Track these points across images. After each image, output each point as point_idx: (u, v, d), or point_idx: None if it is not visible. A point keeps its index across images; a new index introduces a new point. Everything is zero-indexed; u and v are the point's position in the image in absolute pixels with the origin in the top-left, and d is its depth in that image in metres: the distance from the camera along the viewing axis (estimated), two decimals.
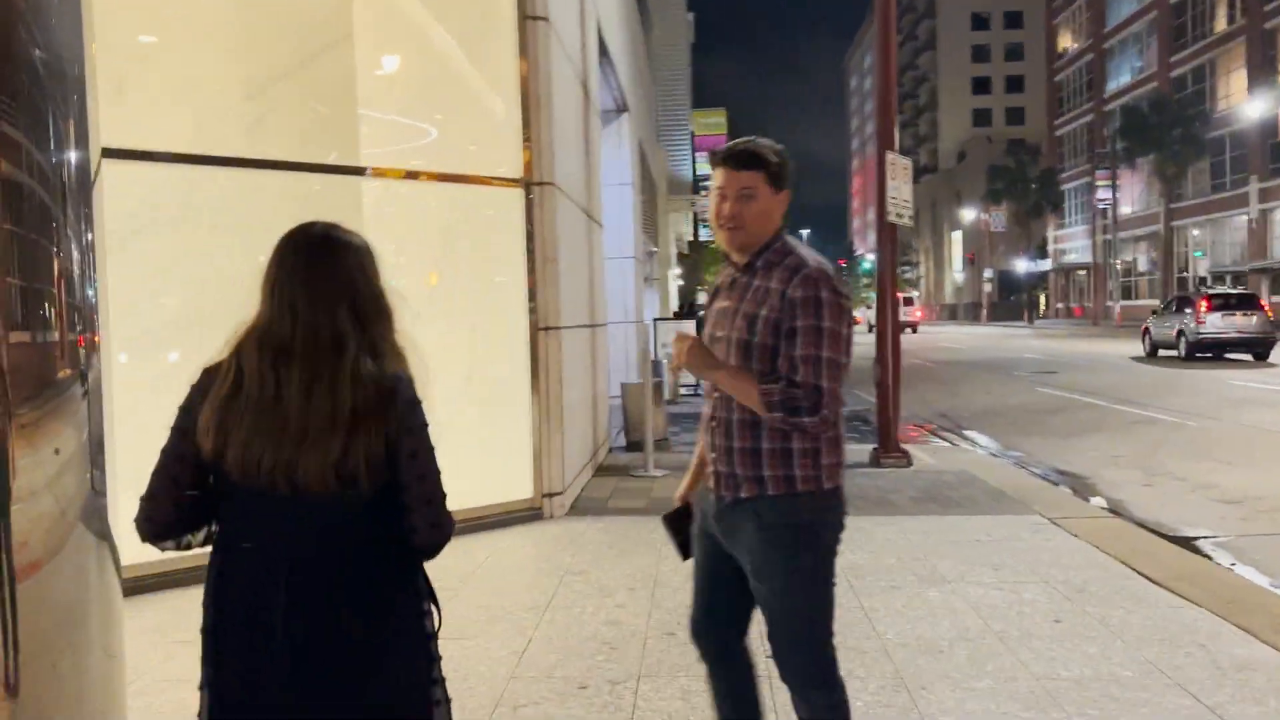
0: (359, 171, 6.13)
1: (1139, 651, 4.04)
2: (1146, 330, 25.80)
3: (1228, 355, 22.83)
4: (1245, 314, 22.14)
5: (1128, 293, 52.87)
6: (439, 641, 1.92)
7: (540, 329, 6.76)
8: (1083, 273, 60.71)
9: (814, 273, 2.32)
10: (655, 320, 16.88)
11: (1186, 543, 6.21)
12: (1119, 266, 51.28)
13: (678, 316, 25.52)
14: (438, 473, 1.83)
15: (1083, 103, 60.13)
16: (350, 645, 1.75)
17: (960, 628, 4.39)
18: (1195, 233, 46.00)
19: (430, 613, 1.90)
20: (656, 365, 15.50)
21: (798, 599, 2.41)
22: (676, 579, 5.21)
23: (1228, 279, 42.62)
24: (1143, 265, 53.21)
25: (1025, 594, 4.86)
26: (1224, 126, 42.26)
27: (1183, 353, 22.99)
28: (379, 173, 6.23)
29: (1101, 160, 49.40)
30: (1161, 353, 24.50)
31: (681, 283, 51.20)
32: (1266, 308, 22.92)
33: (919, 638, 4.24)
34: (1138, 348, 26.74)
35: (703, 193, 42.69)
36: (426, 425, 1.83)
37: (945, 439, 11.01)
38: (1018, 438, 11.22)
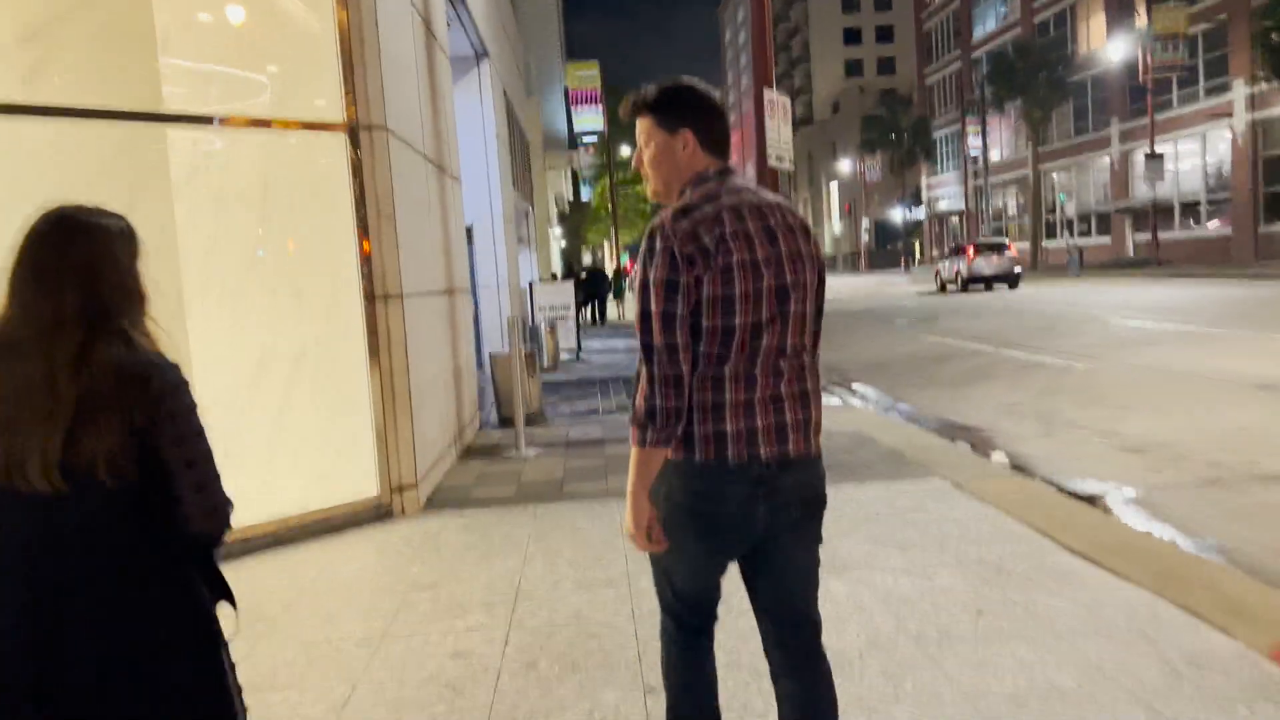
0: (159, 118, 5.12)
1: (1077, 648, 3.46)
2: (938, 271, 34.26)
3: (992, 286, 31.27)
4: (999, 256, 30.77)
5: (999, 236, 54.15)
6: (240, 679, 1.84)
7: (377, 297, 5.84)
8: (956, 219, 61.97)
9: (653, 223, 2.13)
10: (531, 284, 15.96)
11: (1098, 501, 5.75)
12: (990, 212, 52.36)
13: (565, 278, 24.65)
14: (208, 456, 1.76)
15: (951, 51, 60.99)
16: (109, 660, 1.66)
17: (871, 631, 3.74)
18: (1057, 176, 47.19)
19: (212, 617, 1.81)
20: (533, 332, 14.67)
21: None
22: (543, 587, 4.44)
23: (1092, 219, 43.88)
24: (1012, 210, 54.52)
25: (939, 580, 4.25)
26: (1086, 70, 43.22)
27: (960, 286, 31.51)
28: (181, 117, 5.22)
29: (971, 107, 50.15)
30: (949, 287, 32.66)
31: (564, 244, 50.20)
32: (1013, 250, 31.50)
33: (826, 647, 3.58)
34: (1011, 291, 26.98)
35: (581, 148, 41.77)
36: (193, 410, 1.75)
37: (834, 394, 10.52)
38: (909, 390, 10.79)
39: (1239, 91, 33.57)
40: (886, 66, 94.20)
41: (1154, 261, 33.84)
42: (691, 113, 2.23)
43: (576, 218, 49.91)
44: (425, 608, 4.29)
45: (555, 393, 11.83)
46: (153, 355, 1.75)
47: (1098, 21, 43.15)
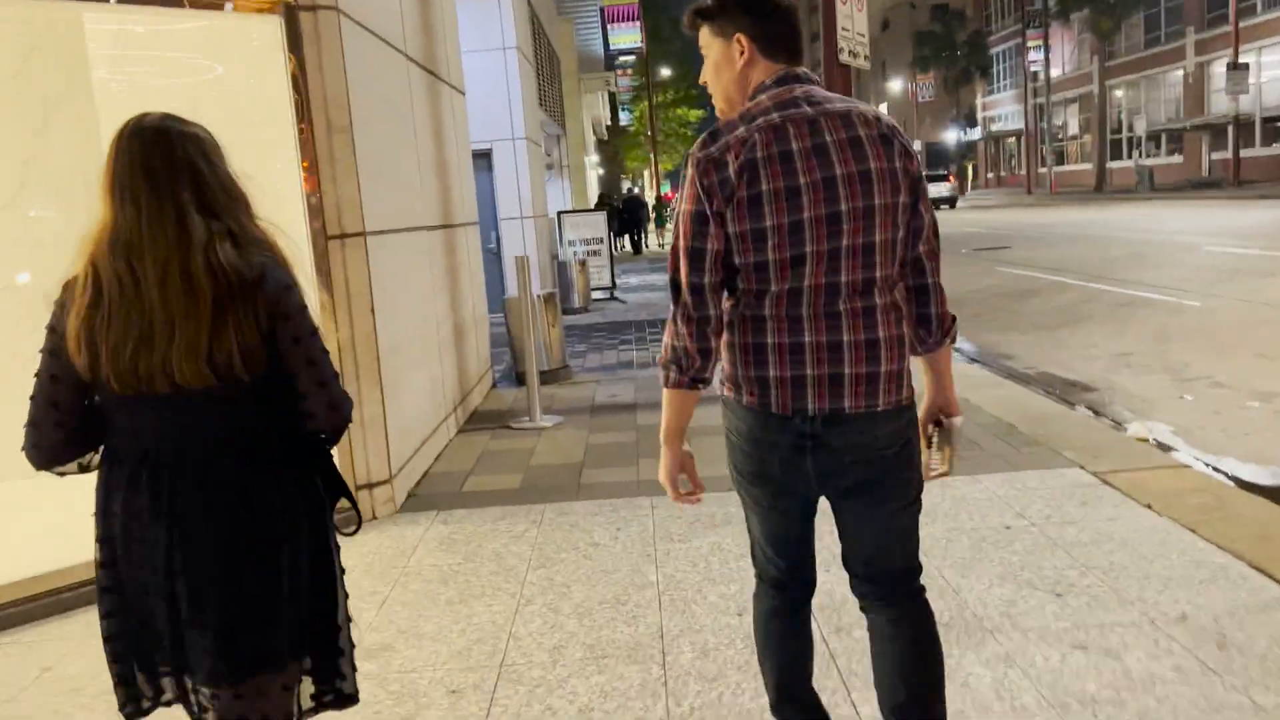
0: None
1: None
2: None
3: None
4: (937, 183, 38.44)
5: (1060, 158, 51.36)
6: None
7: (331, 237, 4.42)
8: (1013, 139, 58.98)
9: (692, 149, 1.93)
10: (560, 214, 14.48)
11: None
12: (1051, 131, 49.54)
13: (599, 208, 23.13)
14: (325, 354, 1.80)
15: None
16: (240, 544, 1.73)
17: None
18: (1124, 92, 44.30)
19: (328, 513, 1.87)
20: (562, 268, 13.23)
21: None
22: (539, 658, 3.07)
23: (1163, 137, 41.16)
24: (1074, 129, 51.60)
25: (1132, 660, 2.82)
26: None
27: None
28: None
29: (1032, 19, 47.08)
30: None
31: (602, 171, 48.33)
32: (952, 178, 39.36)
33: None
34: (1079, 214, 25.01)
35: (618, 70, 39.67)
36: (305, 309, 1.79)
37: None
38: (996, 334, 9.23)
39: None
40: None
41: (1232, 181, 31.39)
42: (745, 13, 1.96)
43: (615, 144, 47.96)
44: (365, 695, 2.95)
45: (585, 339, 10.42)
46: (264, 256, 1.77)
47: None
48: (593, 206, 27.93)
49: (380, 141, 4.93)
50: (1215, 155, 36.30)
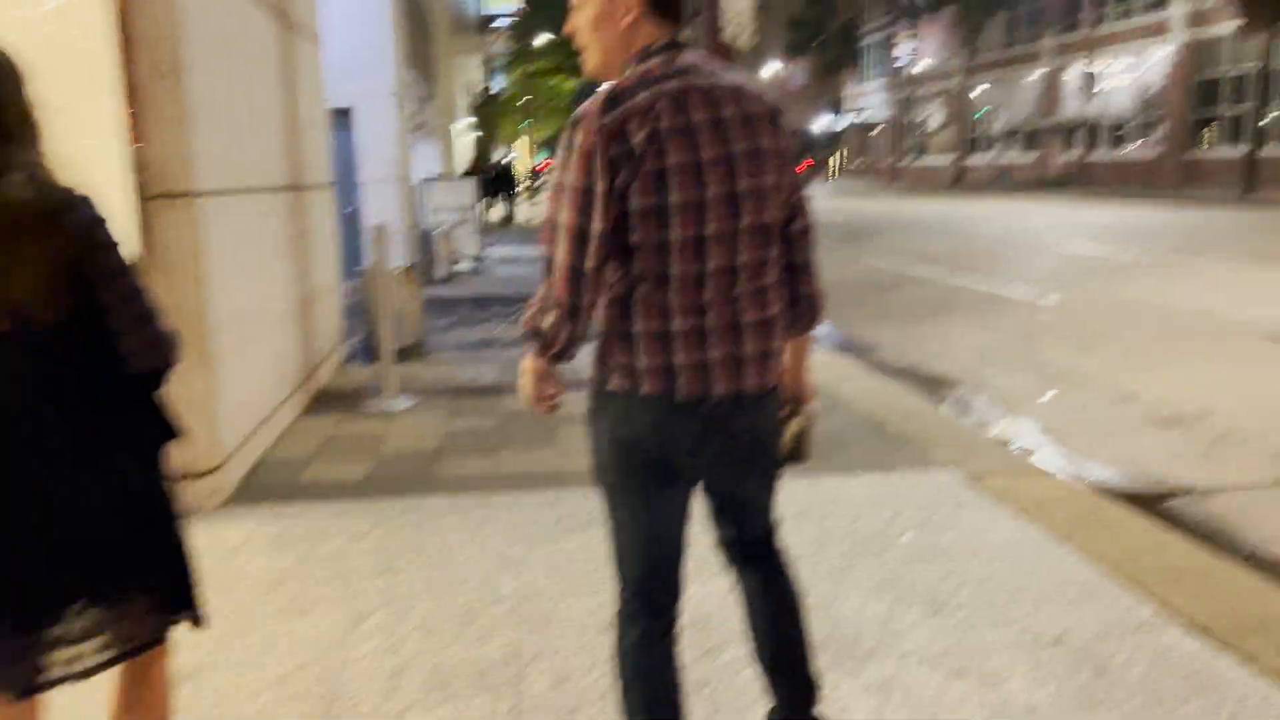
0: None
1: None
2: None
3: None
4: None
5: (924, 150, 52.96)
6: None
7: (151, 197, 3.91)
8: (879, 130, 60.57)
9: (576, 113, 1.76)
10: (425, 180, 13.87)
11: (1176, 516, 4.26)
12: (915, 124, 51.00)
13: (469, 175, 22.40)
14: (142, 291, 1.72)
15: None
16: (61, 498, 1.66)
17: None
18: (985, 89, 45.91)
19: (160, 453, 1.83)
20: (426, 236, 12.66)
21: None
22: (375, 684, 2.72)
23: (1020, 135, 42.83)
24: (936, 122, 53.29)
25: (1013, 689, 2.67)
26: None
27: None
28: None
29: (903, 13, 48.23)
30: None
31: (474, 136, 47.18)
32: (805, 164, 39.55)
33: None
34: (941, 206, 25.76)
35: (494, 34, 38.70)
36: (117, 244, 1.69)
37: None
38: (862, 325, 9.24)
39: (1177, 9, 32.41)
40: None
41: (1081, 181, 32.95)
42: None
43: (488, 110, 46.91)
44: None
45: (448, 313, 9.95)
46: (67, 188, 1.66)
47: None
48: (462, 173, 27.17)
49: (217, 90, 4.40)
50: (1066, 155, 38.01)
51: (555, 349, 1.85)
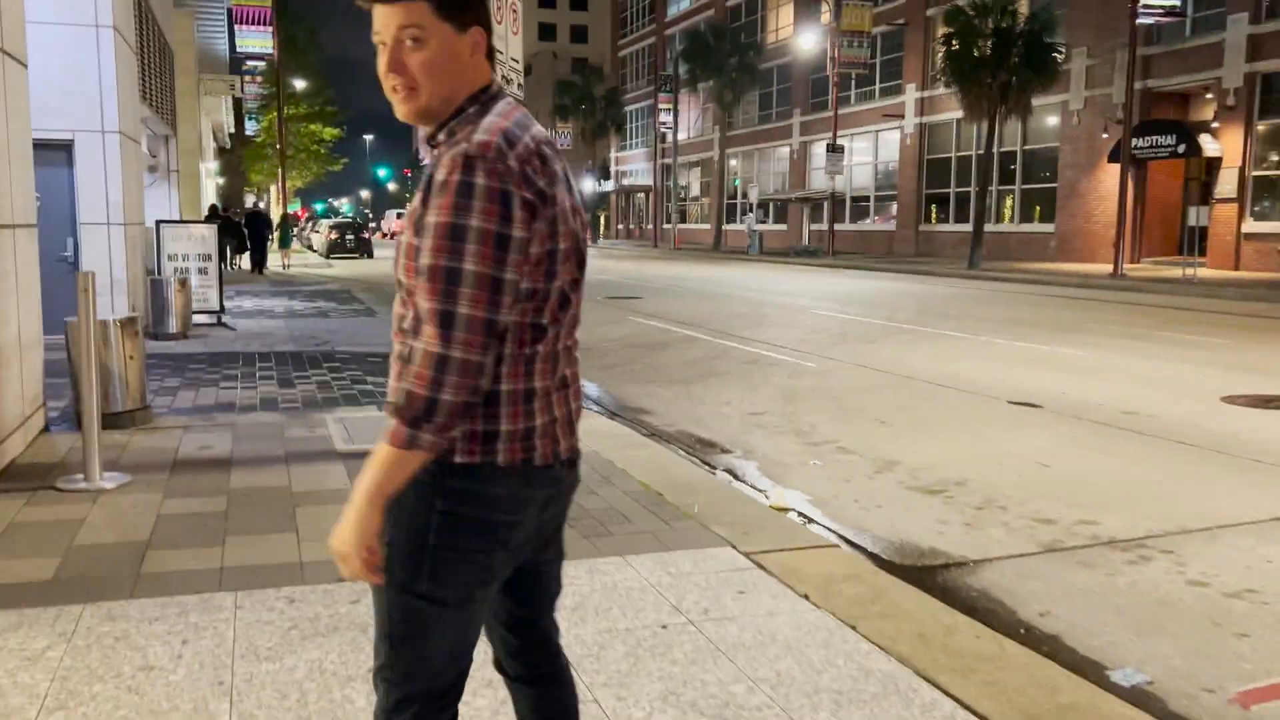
0: None
1: None
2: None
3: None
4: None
5: (684, 216, 54.87)
6: None
7: None
8: (642, 195, 62.29)
9: (469, 148, 1.54)
10: (160, 223, 12.62)
11: (953, 592, 4.17)
12: (676, 190, 52.86)
13: (213, 220, 20.86)
14: None
15: (645, 25, 60.91)
16: None
17: None
18: (740, 160, 48.26)
19: None
20: (158, 286, 11.45)
21: None
22: None
23: (771, 206, 45.18)
24: (696, 190, 55.43)
25: None
26: (773, 59, 44.26)
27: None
28: None
29: (663, 84, 50.11)
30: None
31: (220, 181, 44.46)
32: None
33: None
34: (701, 270, 26.49)
35: (246, 76, 36.64)
36: None
37: None
38: (631, 386, 9.04)
39: (910, 95, 35.41)
40: (580, 34, 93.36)
41: (827, 250, 35.04)
42: (483, 4, 1.71)
43: (239, 154, 44.42)
44: None
45: (178, 373, 8.92)
46: None
47: (786, 12, 44.31)
48: (205, 217, 25.32)
49: None
50: (814, 226, 40.38)
51: (450, 424, 1.53)
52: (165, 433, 6.41)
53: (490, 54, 1.75)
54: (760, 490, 5.67)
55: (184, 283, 11.45)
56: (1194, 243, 21.60)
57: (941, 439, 6.91)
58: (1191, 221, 20.82)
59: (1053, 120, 29.21)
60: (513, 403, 1.63)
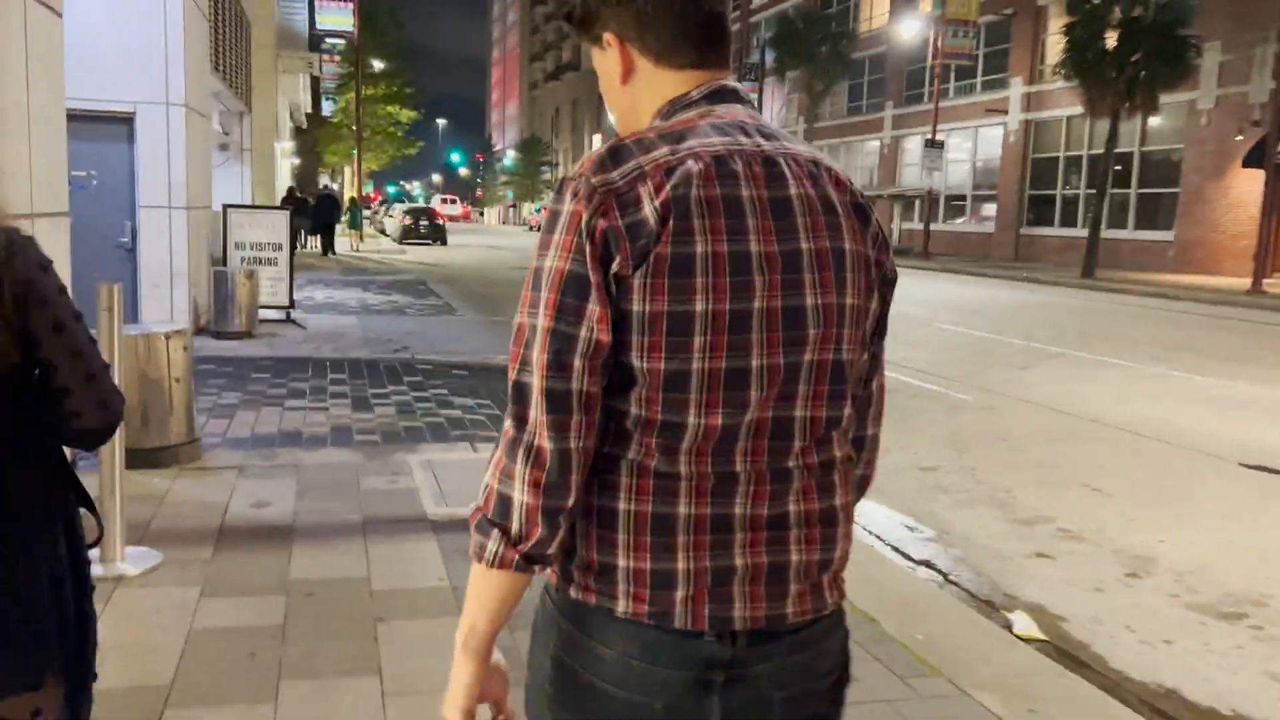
0: None
1: None
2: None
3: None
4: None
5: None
6: None
7: None
8: None
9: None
10: (228, 208, 11.51)
11: None
12: None
13: (285, 205, 19.92)
14: (93, 343, 1.63)
15: (732, 10, 59.28)
16: None
17: None
18: (827, 154, 46.36)
19: (78, 522, 1.71)
20: (222, 278, 10.31)
21: None
22: None
23: None
24: None
25: None
26: (866, 49, 42.31)
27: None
28: None
29: (748, 71, 48.39)
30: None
31: (295, 161, 43.91)
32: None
33: None
34: None
35: (324, 55, 35.90)
36: (65, 291, 1.59)
37: None
38: None
39: (1016, 89, 33.31)
40: None
41: (922, 252, 33.15)
42: (617, 1, 1.27)
43: (314, 134, 43.80)
44: None
45: (238, 384, 7.71)
46: (6, 230, 1.55)
47: (880, 1, 42.30)
48: (280, 201, 24.46)
49: None
50: (905, 224, 38.49)
51: (530, 538, 1.16)
52: (214, 477, 5.16)
53: (679, 47, 1.28)
54: (987, 602, 4.22)
55: (251, 275, 10.29)
56: None
57: (1187, 521, 5.38)
58: None
59: (1175, 120, 27.01)
60: (633, 530, 1.18)
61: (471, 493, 5.11)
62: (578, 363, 1.15)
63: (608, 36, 1.30)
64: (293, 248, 12.69)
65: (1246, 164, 23.85)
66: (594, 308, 1.14)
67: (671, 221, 1.13)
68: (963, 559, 4.78)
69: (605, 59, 1.32)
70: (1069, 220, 31.53)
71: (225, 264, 10.98)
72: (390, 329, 11.64)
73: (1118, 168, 28.07)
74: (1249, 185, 24.36)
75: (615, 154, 1.19)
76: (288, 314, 11.58)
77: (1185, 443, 7.12)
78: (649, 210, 1.14)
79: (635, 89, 1.31)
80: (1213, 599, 4.31)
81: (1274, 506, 5.75)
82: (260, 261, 11.19)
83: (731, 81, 1.32)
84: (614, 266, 1.14)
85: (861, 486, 1.44)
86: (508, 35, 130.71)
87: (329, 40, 32.64)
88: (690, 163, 1.17)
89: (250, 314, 10.24)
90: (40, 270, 1.55)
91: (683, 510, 1.18)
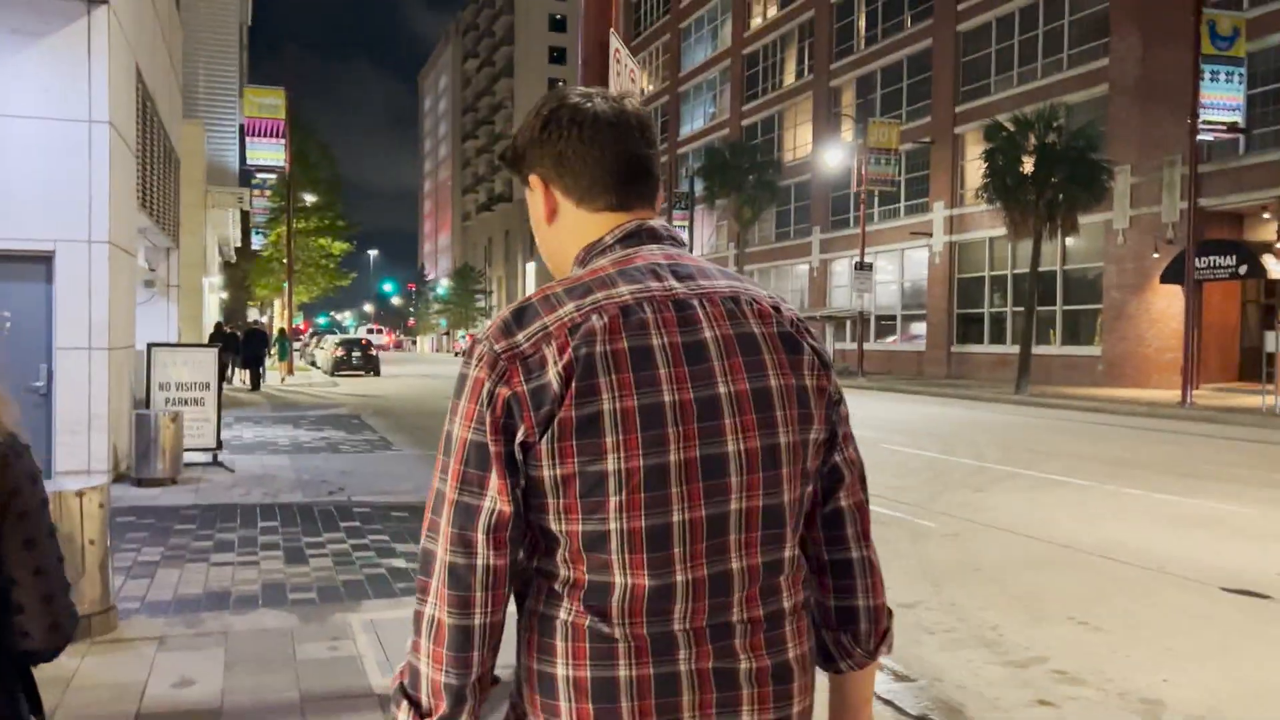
0: None
1: None
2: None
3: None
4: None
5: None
6: None
7: None
8: None
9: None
10: (152, 346, 10.99)
11: None
12: None
13: (214, 342, 19.39)
14: (60, 562, 1.59)
15: (659, 143, 60.92)
16: None
17: None
18: (756, 279, 47.22)
19: None
20: (144, 422, 9.72)
21: None
22: None
23: None
24: None
25: None
26: (792, 176, 43.62)
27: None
28: None
29: (679, 200, 49.52)
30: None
31: (225, 295, 43.29)
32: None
33: None
34: None
35: (255, 190, 35.78)
36: (45, 503, 1.58)
37: None
38: None
39: (939, 212, 34.44)
40: None
41: (856, 370, 33.50)
42: (540, 144, 1.31)
43: (244, 268, 43.37)
44: None
45: (161, 538, 7.12)
46: (8, 433, 1.53)
47: (805, 131, 43.87)
48: (208, 337, 23.87)
49: None
50: (837, 344, 39.03)
51: (435, 711, 1.14)
52: (131, 651, 4.60)
53: (603, 189, 1.30)
54: None
55: (176, 417, 9.73)
56: (1263, 369, 20.02)
57: (1185, 655, 5.10)
58: (1270, 347, 19.24)
59: (1094, 240, 28.03)
60: (576, 697, 1.15)
61: None
62: (480, 537, 1.13)
63: (533, 178, 1.33)
64: (220, 384, 12.15)
65: (1164, 280, 24.72)
66: (495, 479, 1.13)
67: (574, 383, 1.11)
68: (962, 711, 4.40)
69: (533, 199, 1.35)
70: (998, 337, 32.23)
71: (149, 406, 10.41)
72: (324, 468, 11.08)
73: (1049, 287, 28.91)
74: (1169, 301, 25.20)
75: (520, 315, 1.19)
76: (215, 456, 10.97)
77: (1160, 568, 6.90)
78: (553, 374, 1.13)
79: (559, 230, 1.32)
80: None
81: (1267, 632, 5.51)
82: (186, 402, 10.64)
83: (652, 221, 1.31)
84: (519, 435, 1.13)
85: (876, 621, 1.35)
86: (440, 168, 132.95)
87: (260, 175, 32.58)
88: (594, 318, 1.15)
89: (175, 458, 9.64)
90: (29, 481, 1.54)
91: (623, 673, 1.14)
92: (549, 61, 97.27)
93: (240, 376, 28.03)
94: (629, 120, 1.31)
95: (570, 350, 1.13)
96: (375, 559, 6.59)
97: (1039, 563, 7.11)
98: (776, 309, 1.28)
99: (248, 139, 30.62)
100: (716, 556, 1.17)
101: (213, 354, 11.21)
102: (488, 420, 1.14)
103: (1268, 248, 23.41)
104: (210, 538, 7.18)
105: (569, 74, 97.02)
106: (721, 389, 1.18)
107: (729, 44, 50.34)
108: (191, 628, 5.01)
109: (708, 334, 1.20)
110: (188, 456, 10.31)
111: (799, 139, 44.50)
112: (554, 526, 1.15)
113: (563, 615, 1.16)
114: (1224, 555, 7.25)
